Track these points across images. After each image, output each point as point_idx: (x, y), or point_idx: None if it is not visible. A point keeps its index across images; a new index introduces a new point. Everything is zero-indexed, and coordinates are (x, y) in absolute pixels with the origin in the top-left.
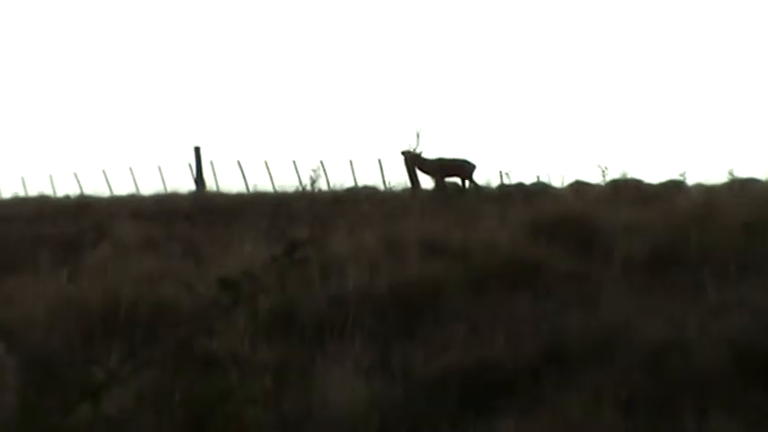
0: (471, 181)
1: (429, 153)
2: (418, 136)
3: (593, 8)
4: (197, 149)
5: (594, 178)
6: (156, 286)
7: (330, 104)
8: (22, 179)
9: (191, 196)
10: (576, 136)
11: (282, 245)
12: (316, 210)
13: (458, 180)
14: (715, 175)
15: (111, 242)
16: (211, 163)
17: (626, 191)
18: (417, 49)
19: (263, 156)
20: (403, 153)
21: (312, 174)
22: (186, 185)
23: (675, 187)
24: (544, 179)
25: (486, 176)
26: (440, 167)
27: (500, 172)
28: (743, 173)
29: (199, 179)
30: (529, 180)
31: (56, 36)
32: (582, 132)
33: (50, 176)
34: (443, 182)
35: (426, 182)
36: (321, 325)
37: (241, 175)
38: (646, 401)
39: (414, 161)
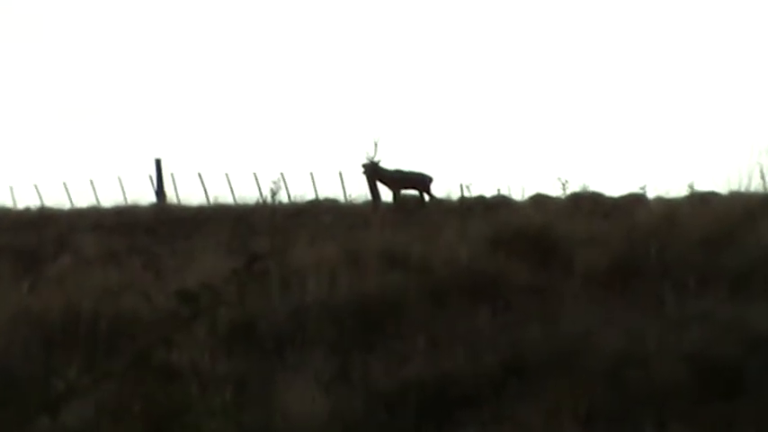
0: (429, 193)
1: (389, 164)
2: (376, 145)
3: (552, 21)
4: (158, 161)
5: (555, 191)
6: (117, 298)
7: (291, 116)
8: None
9: (151, 208)
10: (536, 149)
11: (243, 257)
12: (276, 222)
13: (416, 192)
14: (675, 189)
15: (71, 254)
16: (172, 175)
17: (586, 204)
18: (378, 60)
19: (223, 168)
20: (363, 165)
21: (273, 186)
22: (147, 197)
23: (635, 200)
24: (505, 192)
25: (446, 189)
26: (398, 179)
27: (461, 185)
28: (703, 186)
29: (159, 191)
30: (489, 193)
31: (16, 47)
32: (542, 145)
33: (11, 188)
34: (401, 194)
35: (387, 194)
36: (281, 337)
37: (202, 188)
38: (605, 414)
39: (373, 172)
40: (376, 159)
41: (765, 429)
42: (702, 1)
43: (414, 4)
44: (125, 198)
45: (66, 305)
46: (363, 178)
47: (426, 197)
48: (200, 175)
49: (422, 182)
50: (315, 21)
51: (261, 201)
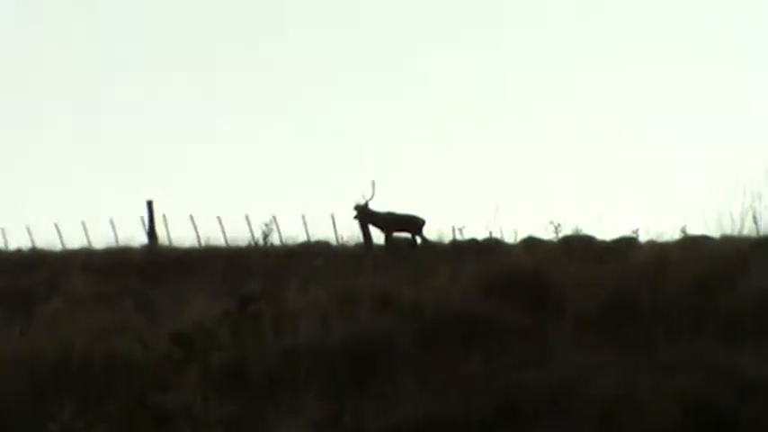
0: (421, 236)
1: (380, 207)
2: (374, 185)
3: (539, 56)
4: (149, 203)
5: (547, 234)
6: (109, 340)
7: (283, 159)
8: None
9: (143, 250)
10: (528, 192)
11: (235, 299)
12: (268, 264)
13: (408, 235)
14: (667, 233)
15: (63, 296)
16: (164, 216)
17: (578, 247)
18: (369, 103)
19: (215, 210)
20: (355, 207)
21: (264, 228)
22: (139, 239)
23: (628, 244)
24: (497, 235)
25: (438, 231)
26: (390, 221)
27: (453, 227)
28: (695, 230)
29: (151, 233)
30: (481, 236)
31: (6, 85)
32: (534, 189)
33: (2, 230)
34: (392, 236)
35: (379, 237)
36: (274, 379)
37: (194, 229)
38: None
39: (364, 214)
40: (366, 201)
41: None
42: (694, 41)
43: (404, 45)
44: (116, 239)
45: (59, 347)
46: (355, 221)
47: (418, 239)
48: (191, 217)
49: (414, 224)
50: (305, 63)
51: (253, 243)
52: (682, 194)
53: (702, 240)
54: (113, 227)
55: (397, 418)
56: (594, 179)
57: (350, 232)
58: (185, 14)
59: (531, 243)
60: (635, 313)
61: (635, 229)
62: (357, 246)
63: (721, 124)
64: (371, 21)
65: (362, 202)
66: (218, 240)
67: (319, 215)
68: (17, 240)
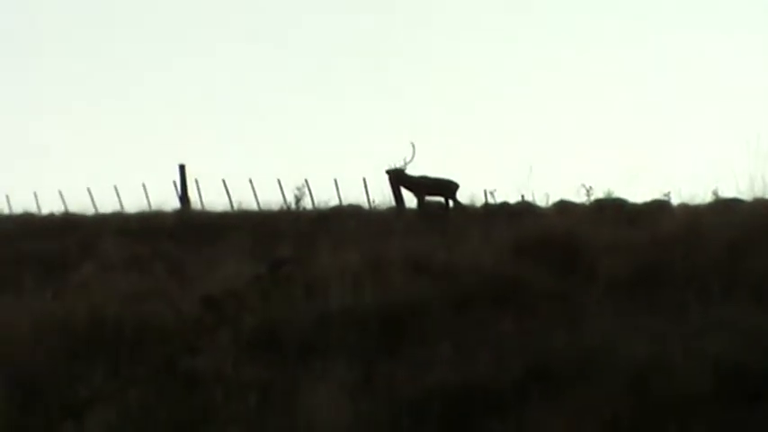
0: (455, 200)
1: (413, 170)
2: (414, 148)
3: (574, 21)
4: (182, 167)
5: (579, 198)
6: (141, 305)
7: (315, 122)
8: (7, 197)
9: (175, 214)
10: (560, 155)
11: (266, 264)
12: (300, 228)
13: (441, 199)
14: (699, 195)
15: (95, 260)
16: (196, 181)
17: (610, 210)
18: (400, 65)
19: (247, 173)
20: (387, 171)
21: (297, 192)
22: (171, 203)
23: (660, 207)
24: (528, 198)
25: (470, 195)
26: (424, 185)
27: (485, 191)
28: (727, 193)
29: (183, 197)
30: (513, 199)
31: (37, 50)
32: (566, 152)
33: (35, 194)
34: (425, 200)
35: (411, 200)
36: (305, 344)
37: (226, 193)
38: (630, 421)
39: (398, 178)
40: (405, 164)
41: None
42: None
43: (437, 6)
44: (149, 204)
45: (90, 311)
46: (387, 184)
47: (451, 203)
48: (224, 181)
49: (448, 188)
50: (335, 25)
51: (285, 207)
52: (713, 157)
53: (734, 203)
54: (146, 191)
55: (429, 383)
56: (626, 142)
57: (382, 196)
58: None
59: (562, 206)
60: (666, 277)
61: (666, 192)
62: (389, 209)
63: (754, 86)
64: None
65: (400, 164)
66: (251, 204)
67: (351, 178)
68: (50, 205)
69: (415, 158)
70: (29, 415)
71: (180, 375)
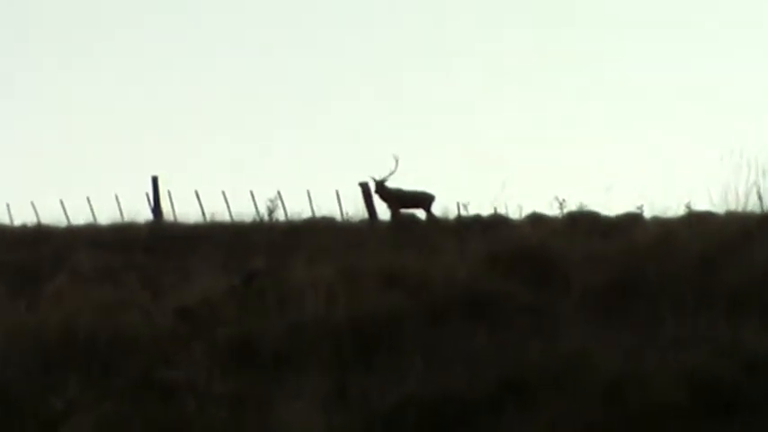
0: (429, 212)
1: (390, 183)
2: (397, 160)
3: (548, 35)
4: (154, 179)
5: (552, 210)
6: (114, 316)
7: (287, 134)
8: None
9: (148, 226)
10: (532, 168)
11: (240, 275)
12: (273, 240)
13: (415, 211)
14: (672, 209)
15: (68, 272)
16: (169, 192)
17: (583, 223)
18: (373, 80)
19: (220, 185)
20: (375, 182)
21: (269, 204)
22: (144, 215)
23: (633, 220)
24: (501, 211)
25: (443, 208)
26: (401, 198)
27: (457, 203)
28: (700, 206)
29: (156, 209)
30: (486, 212)
31: (9, 61)
32: (539, 164)
33: (7, 205)
34: (399, 212)
35: (383, 213)
36: (279, 355)
37: (198, 205)
38: None
39: (380, 189)
40: (385, 177)
41: None
42: (698, 14)
43: (406, 21)
44: (122, 215)
45: (64, 323)
46: (361, 196)
47: (426, 216)
48: (196, 193)
49: (425, 200)
50: (310, 39)
51: (258, 218)
52: (686, 170)
53: (707, 216)
54: (118, 202)
55: (403, 395)
56: (599, 155)
57: (355, 208)
58: None
59: (535, 219)
60: (640, 289)
61: (640, 204)
62: (362, 222)
63: (726, 99)
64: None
65: (379, 177)
66: (224, 216)
67: (324, 191)
68: (22, 216)
69: (396, 171)
70: (4, 427)
71: (155, 387)
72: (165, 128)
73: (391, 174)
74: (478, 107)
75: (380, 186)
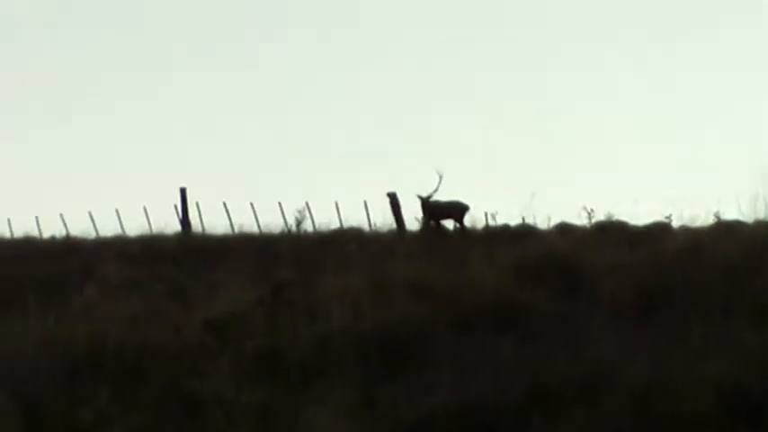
0: (461, 223)
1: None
2: (440, 178)
3: (576, 46)
4: (183, 190)
5: (580, 220)
6: (143, 327)
7: (315, 145)
8: (8, 220)
9: (177, 237)
10: (561, 177)
11: (268, 287)
12: (301, 251)
13: (447, 222)
14: (701, 218)
15: (97, 283)
16: (197, 204)
17: (611, 233)
18: (400, 91)
19: (248, 197)
20: (389, 194)
21: (297, 215)
22: (172, 226)
23: (661, 230)
24: (530, 221)
25: (471, 218)
26: (438, 209)
27: (485, 213)
28: (728, 215)
29: (185, 220)
30: (514, 222)
31: (36, 73)
32: (567, 174)
33: (36, 218)
34: (438, 224)
35: (412, 223)
36: (306, 366)
37: (227, 217)
38: None
39: (426, 205)
40: (431, 192)
41: None
42: (731, 26)
43: (433, 34)
44: (150, 227)
45: (93, 334)
46: (388, 207)
47: (458, 226)
48: (225, 205)
49: (458, 211)
50: (339, 48)
51: (286, 230)
52: (715, 180)
53: (735, 225)
54: (147, 215)
55: (430, 405)
56: (627, 165)
57: (383, 219)
58: None
59: (564, 229)
60: (668, 299)
61: (668, 214)
62: (390, 232)
63: (756, 109)
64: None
65: (425, 194)
66: (252, 228)
67: (353, 201)
68: (51, 228)
69: (440, 187)
70: None
71: (183, 398)
72: (194, 140)
73: (435, 190)
74: (507, 117)
75: (427, 203)
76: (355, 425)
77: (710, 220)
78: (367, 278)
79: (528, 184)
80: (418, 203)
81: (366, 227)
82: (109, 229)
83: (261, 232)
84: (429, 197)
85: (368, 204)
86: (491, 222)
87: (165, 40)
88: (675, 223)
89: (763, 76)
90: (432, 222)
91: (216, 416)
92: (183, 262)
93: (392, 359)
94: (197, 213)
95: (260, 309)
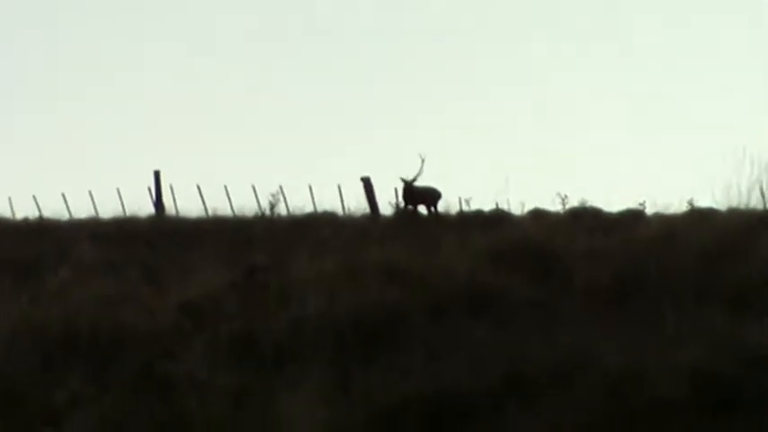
0: (435, 209)
1: (390, 179)
2: (423, 162)
3: (552, 34)
4: (156, 173)
5: (554, 206)
6: (117, 310)
7: (289, 128)
8: None
9: (150, 220)
10: (534, 164)
11: (242, 270)
12: (275, 235)
13: (421, 208)
14: (674, 205)
15: (71, 265)
16: (171, 187)
17: (585, 219)
18: (375, 75)
19: (222, 180)
20: (362, 179)
21: (271, 198)
22: (146, 209)
23: (635, 216)
24: (503, 207)
25: (445, 203)
26: (418, 194)
27: (459, 199)
28: (702, 203)
29: (158, 203)
30: (488, 208)
31: (8, 57)
32: (541, 160)
33: (9, 199)
34: (415, 209)
35: (385, 208)
36: (281, 349)
37: (200, 200)
38: (605, 428)
39: (408, 189)
40: (414, 177)
41: None
42: (704, 14)
43: (412, 11)
44: (124, 209)
45: (66, 316)
46: (362, 192)
47: (432, 211)
48: (198, 187)
49: (432, 197)
50: (312, 34)
51: (259, 213)
52: (689, 167)
53: (709, 213)
54: (120, 197)
55: (404, 389)
56: (601, 151)
57: (356, 203)
58: None
59: (538, 215)
60: (642, 285)
61: (642, 201)
62: (364, 216)
63: (729, 96)
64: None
65: (408, 178)
66: (225, 211)
67: (326, 185)
68: (24, 209)
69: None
70: (6, 420)
71: (157, 381)
72: (168, 122)
73: (419, 174)
74: (480, 103)
75: (409, 187)
76: (330, 409)
77: (684, 208)
78: (341, 262)
79: (502, 169)
80: (400, 187)
81: (340, 211)
82: (82, 210)
83: (235, 216)
84: (414, 180)
85: (342, 189)
86: (465, 208)
87: (139, 21)
88: (649, 210)
89: (735, 63)
90: (409, 207)
91: (189, 398)
92: (156, 244)
93: (366, 343)
94: (171, 196)
95: (234, 292)
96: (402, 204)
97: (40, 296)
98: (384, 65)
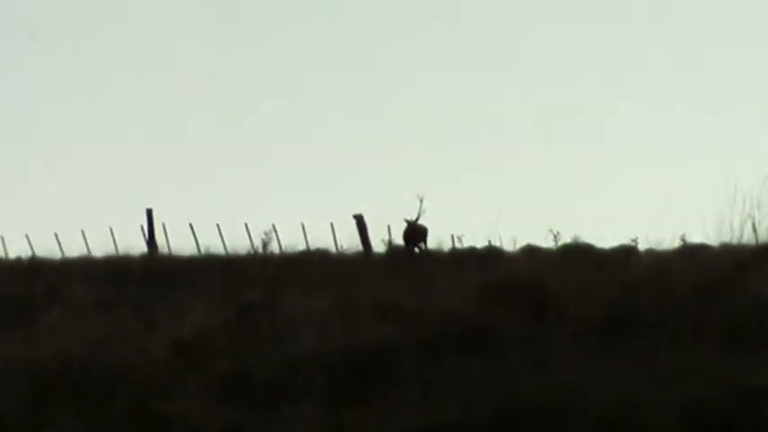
0: (425, 245)
1: (381, 218)
2: (422, 202)
3: (544, 66)
4: (149, 211)
5: (546, 242)
6: (109, 348)
7: (282, 167)
8: None
9: (143, 258)
10: (527, 200)
11: (235, 308)
12: (268, 272)
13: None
14: (666, 241)
15: (63, 304)
16: (163, 225)
17: (578, 255)
18: (365, 112)
19: (215, 218)
20: (355, 216)
21: (264, 236)
22: (138, 247)
23: (627, 252)
24: (496, 243)
25: (437, 240)
26: (416, 233)
27: (452, 236)
28: (694, 238)
29: (151, 241)
30: (480, 244)
31: (8, 89)
32: (533, 197)
33: (2, 238)
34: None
35: (378, 246)
36: (274, 388)
37: (193, 238)
38: None
39: (410, 230)
40: (416, 218)
41: None
42: (694, 44)
43: (393, 48)
44: (116, 248)
45: (59, 355)
46: (355, 229)
47: (422, 247)
48: (191, 226)
49: (423, 234)
50: (308, 72)
51: (252, 251)
52: (681, 203)
53: (702, 249)
54: (113, 235)
55: (398, 427)
56: (593, 187)
57: (349, 241)
58: (186, 19)
59: (530, 251)
60: (635, 321)
61: (634, 237)
62: (356, 254)
63: (721, 131)
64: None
65: (411, 218)
66: (218, 249)
67: (319, 224)
68: (17, 249)
69: (424, 212)
70: None
71: (149, 420)
72: (161, 161)
73: (420, 214)
74: (472, 138)
75: (412, 227)
76: None
77: (676, 244)
78: (334, 300)
79: (494, 206)
80: (401, 227)
81: (333, 248)
82: (75, 249)
83: (227, 254)
84: (417, 221)
85: (334, 226)
86: (457, 245)
87: (129, 55)
88: (641, 246)
89: (728, 99)
90: (409, 246)
91: None
92: (149, 283)
93: (360, 381)
94: (163, 234)
95: (227, 330)
96: (404, 244)
97: (33, 334)
98: (375, 103)
